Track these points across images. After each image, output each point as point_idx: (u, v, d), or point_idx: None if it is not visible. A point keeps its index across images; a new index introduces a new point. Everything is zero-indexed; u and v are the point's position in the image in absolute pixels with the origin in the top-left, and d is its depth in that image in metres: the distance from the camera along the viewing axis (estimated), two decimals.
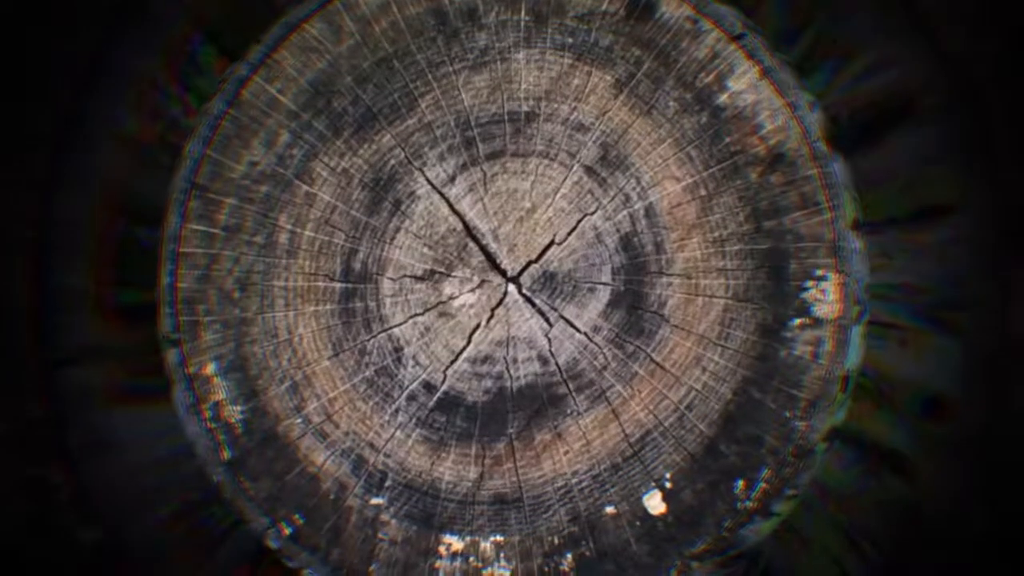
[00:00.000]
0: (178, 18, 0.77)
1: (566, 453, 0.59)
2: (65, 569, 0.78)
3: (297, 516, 0.59)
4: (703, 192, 0.58)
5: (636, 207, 0.58)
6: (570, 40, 0.58)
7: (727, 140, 0.58)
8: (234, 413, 0.59)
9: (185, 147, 0.59)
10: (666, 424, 0.59)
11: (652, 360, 0.59)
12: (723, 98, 0.58)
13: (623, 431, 0.59)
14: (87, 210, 0.76)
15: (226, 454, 0.59)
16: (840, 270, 0.58)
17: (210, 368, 0.59)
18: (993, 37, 0.78)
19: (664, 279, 0.59)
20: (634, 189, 0.59)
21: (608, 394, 0.58)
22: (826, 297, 0.59)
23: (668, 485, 0.59)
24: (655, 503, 0.59)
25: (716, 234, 0.59)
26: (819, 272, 0.58)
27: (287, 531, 0.59)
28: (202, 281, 0.59)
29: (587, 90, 0.58)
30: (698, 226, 0.59)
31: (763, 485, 0.59)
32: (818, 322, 0.59)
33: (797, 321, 0.59)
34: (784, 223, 0.58)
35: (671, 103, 0.58)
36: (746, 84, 0.58)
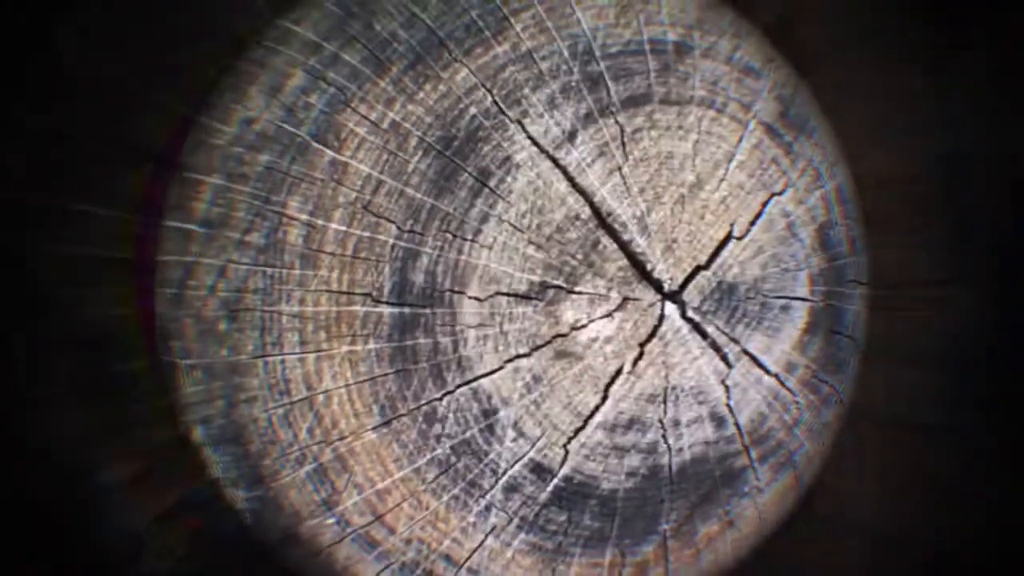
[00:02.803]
0: None
1: (734, 541, 0.39)
2: None
3: None
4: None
5: (828, 186, 0.39)
6: None
7: None
8: (238, 498, 0.36)
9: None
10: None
11: (842, 401, 0.40)
12: None
13: (800, 496, 0.40)
14: None
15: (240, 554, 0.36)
16: None
17: (198, 433, 0.36)
18: None
19: (859, 290, 0.40)
20: (823, 162, 0.39)
21: (796, 457, 0.39)
22: None
23: None
24: None
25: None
26: None
27: None
28: (175, 305, 0.35)
29: (745, 29, 0.38)
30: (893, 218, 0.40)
31: None
32: None
33: None
34: None
35: None
36: None
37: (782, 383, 0.39)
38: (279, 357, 0.37)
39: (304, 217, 0.37)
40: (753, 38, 0.40)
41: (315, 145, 0.36)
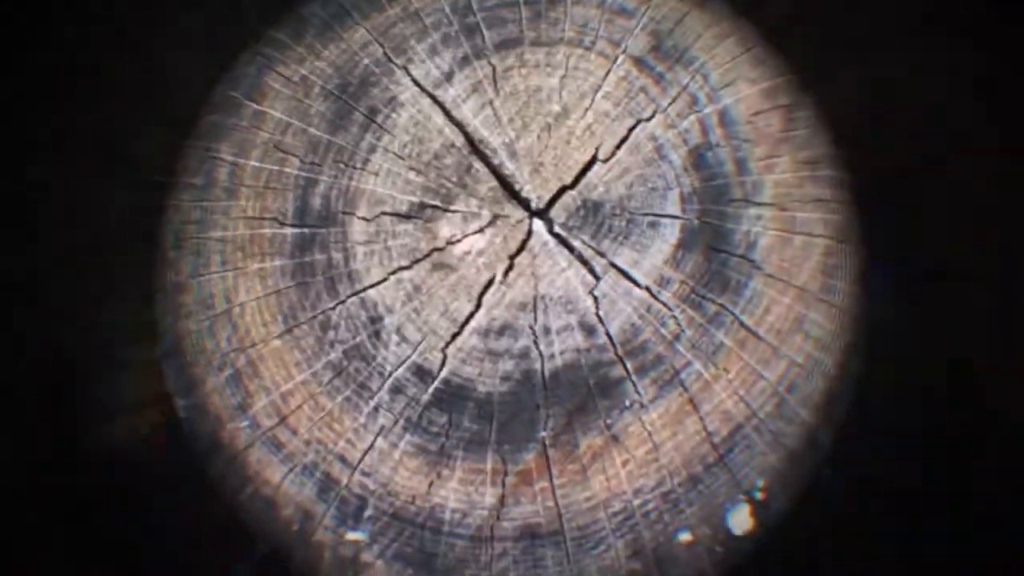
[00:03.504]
0: None
1: (625, 464, 0.40)
2: None
3: (261, 545, 0.41)
4: (784, 100, 0.41)
5: (706, 110, 0.41)
6: None
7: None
8: (180, 406, 0.42)
9: None
10: (762, 414, 0.41)
11: (742, 325, 0.41)
12: None
13: (704, 428, 0.41)
14: None
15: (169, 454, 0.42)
16: None
17: (157, 350, 0.42)
18: None
19: (752, 210, 0.41)
20: (701, 88, 0.42)
21: (683, 376, 0.40)
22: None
23: (760, 496, 0.41)
24: (741, 520, 0.41)
25: (806, 153, 0.41)
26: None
27: (242, 571, 0.41)
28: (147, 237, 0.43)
29: None
30: (787, 139, 0.41)
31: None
32: None
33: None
34: None
35: None
36: None
37: (654, 296, 0.41)
38: (207, 276, 0.43)
39: (230, 158, 0.43)
40: None
41: (245, 102, 0.43)
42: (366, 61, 0.43)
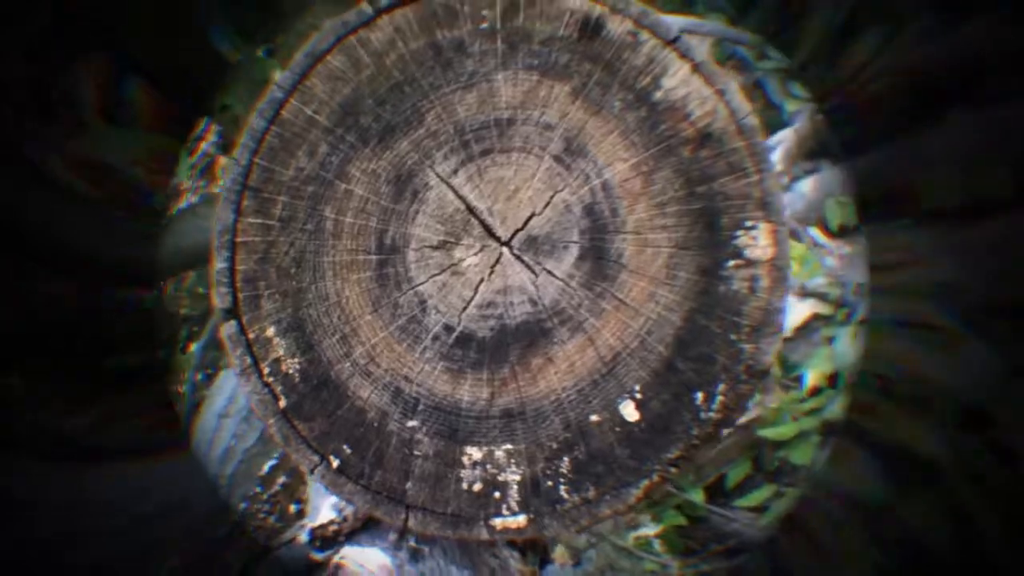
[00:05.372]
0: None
1: (556, 373, 0.76)
2: None
3: (345, 447, 0.75)
4: (645, 168, 0.77)
5: (595, 183, 0.77)
6: (536, 61, 0.77)
7: (662, 127, 0.77)
8: (292, 365, 0.76)
9: (231, 156, 0.77)
10: (631, 347, 0.76)
11: (616, 297, 0.77)
12: (658, 95, 0.77)
13: (598, 354, 0.76)
14: None
15: (283, 402, 0.76)
16: (770, 220, 0.75)
17: (270, 331, 0.76)
18: None
19: (619, 236, 0.77)
20: (592, 170, 0.77)
21: (584, 326, 0.76)
22: (757, 242, 0.76)
23: (638, 396, 0.76)
24: (629, 411, 0.76)
25: (658, 200, 0.77)
26: (749, 223, 0.76)
27: (335, 463, 0.75)
28: (261, 263, 0.77)
29: (551, 99, 0.77)
30: (644, 194, 0.77)
31: (721, 398, 0.74)
32: (751, 262, 0.76)
33: (732, 263, 0.77)
34: (714, 187, 0.77)
35: (616, 103, 0.77)
36: (678, 81, 0.77)
37: (567, 284, 0.76)
38: (323, 283, 0.78)
39: (333, 216, 0.78)
40: (556, 103, 0.78)
41: (336, 182, 0.77)
42: (409, 162, 0.78)
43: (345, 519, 1.03)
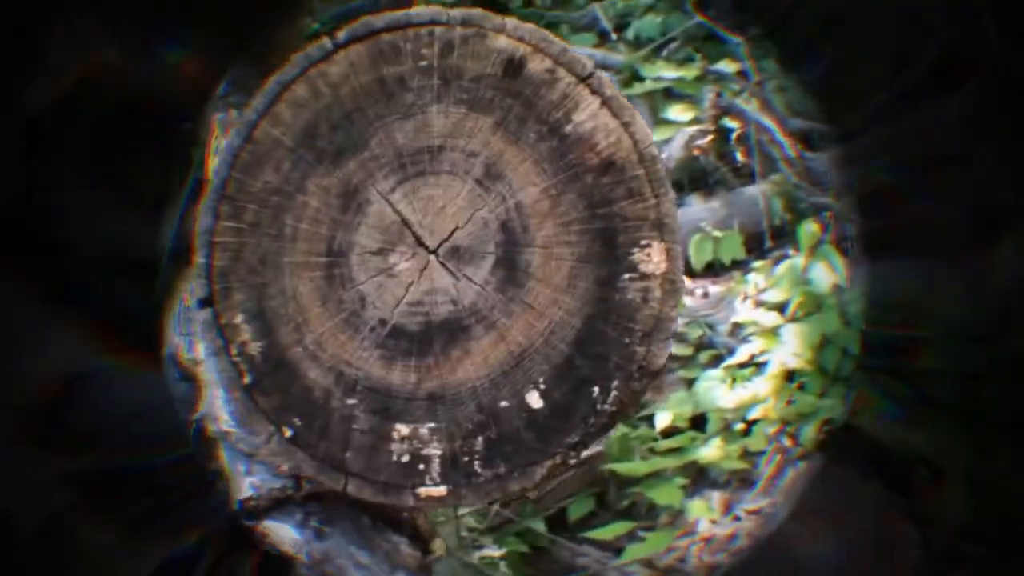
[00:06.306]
0: None
1: (472, 364, 0.90)
2: None
3: (296, 419, 0.90)
4: (553, 192, 0.90)
5: (510, 203, 0.91)
6: (466, 96, 0.91)
7: (571, 156, 0.90)
8: (255, 348, 0.91)
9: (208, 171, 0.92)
10: (537, 345, 0.90)
11: (524, 302, 0.90)
12: (568, 128, 0.90)
13: (508, 349, 0.90)
14: None
15: (247, 379, 0.91)
16: (664, 239, 0.89)
17: (239, 318, 0.91)
18: None
19: (529, 249, 0.91)
20: (508, 192, 0.91)
21: (497, 324, 0.90)
22: (651, 258, 0.90)
23: (543, 386, 0.90)
24: (534, 399, 0.91)
25: (563, 219, 0.91)
26: (644, 242, 0.90)
27: (288, 433, 0.91)
28: (233, 260, 0.92)
29: (476, 129, 0.91)
30: (551, 214, 0.91)
31: (615, 393, 0.88)
32: (645, 275, 0.90)
33: (627, 275, 0.90)
34: (613, 209, 0.90)
35: (532, 135, 0.91)
36: (587, 115, 0.90)
37: (483, 288, 0.90)
38: (283, 280, 0.93)
39: (291, 223, 0.92)
40: (480, 133, 0.92)
41: (296, 194, 0.92)
42: (355, 180, 0.92)
43: (260, 497, 1.16)
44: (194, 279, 0.92)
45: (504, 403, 0.88)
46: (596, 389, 0.88)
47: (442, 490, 0.88)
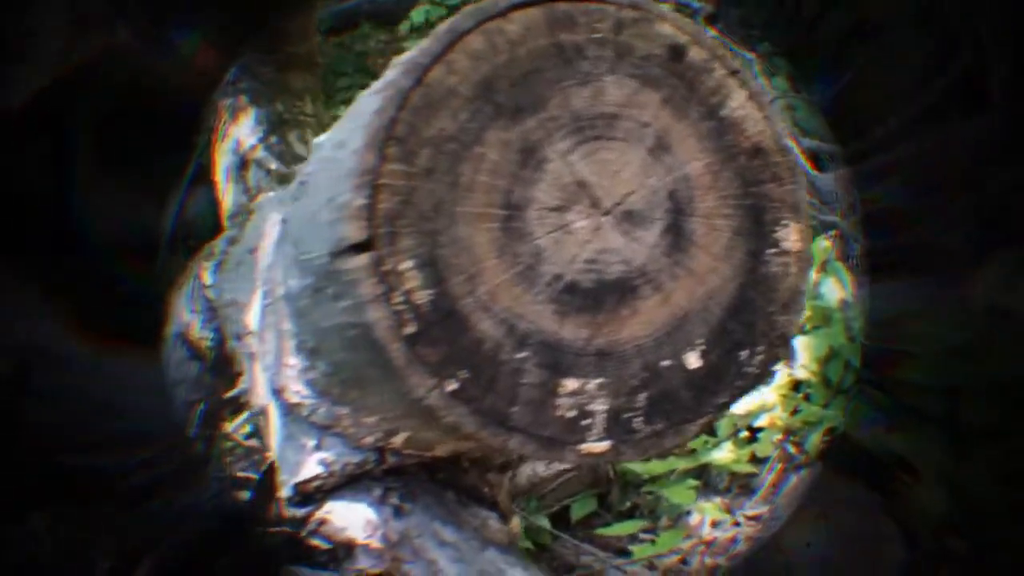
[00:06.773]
0: None
1: (638, 323, 0.93)
2: None
3: (464, 371, 0.89)
4: (715, 168, 0.98)
5: (677, 174, 0.97)
6: (636, 71, 0.96)
7: (727, 138, 0.98)
8: (423, 296, 0.89)
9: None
10: (696, 308, 0.95)
11: (687, 267, 0.96)
12: (724, 112, 0.98)
13: (671, 311, 0.95)
14: None
15: (409, 328, 0.88)
16: (799, 221, 0.98)
17: (406, 264, 0.88)
18: None
19: (693, 218, 0.97)
20: (675, 164, 0.97)
21: (663, 287, 0.95)
22: (789, 237, 0.99)
23: (701, 348, 0.95)
24: (693, 359, 0.96)
25: (723, 193, 0.98)
26: (784, 221, 0.99)
27: (452, 386, 0.88)
28: (402, 204, 0.89)
29: (647, 103, 0.96)
30: (712, 188, 0.98)
31: (760, 356, 0.96)
32: (785, 252, 0.97)
33: (772, 250, 0.99)
34: (762, 189, 0.99)
35: (695, 113, 0.98)
36: (738, 104, 0.98)
37: (652, 250, 0.94)
38: (457, 229, 0.91)
39: (468, 173, 0.92)
40: (650, 106, 0.98)
41: (474, 145, 0.93)
42: (534, 138, 0.90)
43: (331, 474, 1.10)
44: (344, 221, 0.87)
45: (665, 362, 0.92)
46: (745, 353, 0.94)
47: (605, 445, 0.90)
